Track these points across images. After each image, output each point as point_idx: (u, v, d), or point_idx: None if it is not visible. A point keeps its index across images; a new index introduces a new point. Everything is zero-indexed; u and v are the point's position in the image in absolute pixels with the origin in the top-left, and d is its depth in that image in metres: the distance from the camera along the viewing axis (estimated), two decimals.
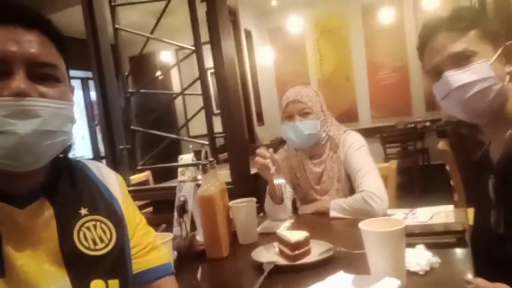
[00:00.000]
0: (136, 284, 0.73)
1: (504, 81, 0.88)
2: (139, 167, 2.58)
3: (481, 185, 0.94)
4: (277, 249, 1.09)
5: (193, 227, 1.32)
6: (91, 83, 6.19)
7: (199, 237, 1.30)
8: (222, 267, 1.14)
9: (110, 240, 0.69)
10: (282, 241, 1.05)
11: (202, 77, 2.45)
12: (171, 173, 2.95)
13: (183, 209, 1.26)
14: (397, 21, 5.72)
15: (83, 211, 0.68)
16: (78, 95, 6.22)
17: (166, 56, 6.08)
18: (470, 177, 1.07)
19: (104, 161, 3.18)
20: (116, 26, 2.66)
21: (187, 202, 1.28)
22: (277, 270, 0.97)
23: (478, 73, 0.87)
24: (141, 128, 2.70)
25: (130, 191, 0.84)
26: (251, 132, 5.26)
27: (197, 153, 3.11)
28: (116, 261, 0.69)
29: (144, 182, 3.07)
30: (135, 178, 2.85)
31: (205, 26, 2.46)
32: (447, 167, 2.17)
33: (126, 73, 2.75)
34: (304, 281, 0.89)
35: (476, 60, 0.87)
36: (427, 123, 5.33)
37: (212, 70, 2.44)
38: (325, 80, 6.28)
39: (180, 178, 2.84)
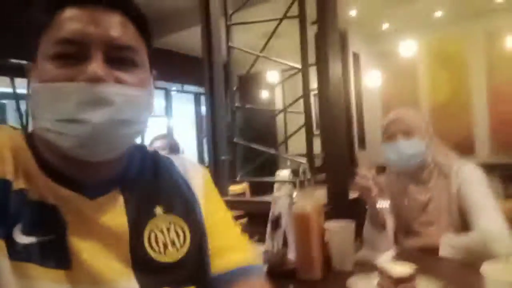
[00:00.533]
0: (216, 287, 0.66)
1: None
2: (238, 178, 2.65)
3: None
4: (376, 281, 0.98)
5: (285, 244, 1.28)
6: (203, 99, 6.68)
7: (291, 255, 1.25)
8: None
9: (183, 245, 0.63)
10: (383, 273, 0.95)
11: (306, 95, 2.44)
12: (267, 188, 2.97)
13: (277, 224, 1.23)
14: None
15: (158, 210, 0.63)
16: (190, 109, 6.77)
17: (272, 76, 6.25)
18: None
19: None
20: (230, 44, 2.80)
21: (281, 217, 1.25)
22: None
23: None
24: (243, 142, 2.79)
25: (227, 201, 0.77)
26: (351, 155, 5.08)
27: (295, 171, 3.09)
28: (191, 267, 0.63)
29: (241, 194, 3.14)
30: (233, 189, 2.93)
31: (312, 48, 2.47)
32: None
33: (234, 89, 2.88)
34: None
35: None
36: None
37: (315, 92, 2.42)
38: (437, 109, 5.78)
39: (275, 193, 2.84)
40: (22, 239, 0.53)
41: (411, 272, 0.92)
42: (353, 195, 2.64)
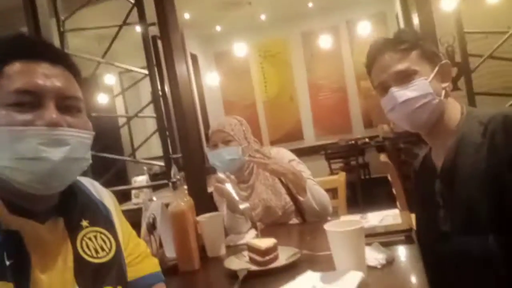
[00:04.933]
0: None
1: (441, 96, 1.01)
2: None
3: (427, 189, 1.06)
4: (247, 257, 1.16)
5: (160, 244, 1.36)
6: None
7: (168, 253, 1.33)
8: (195, 278, 1.19)
9: (110, 249, 0.76)
10: (252, 249, 1.13)
11: (156, 99, 2.50)
12: (123, 197, 2.92)
13: (153, 227, 1.30)
14: (334, 46, 6.16)
15: (84, 223, 0.75)
16: None
17: (109, 80, 5.97)
18: (414, 183, 1.21)
19: None
20: (66, 51, 2.63)
21: (156, 219, 1.32)
22: (250, 276, 1.04)
23: (419, 89, 1.00)
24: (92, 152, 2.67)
25: None
26: (201, 153, 5.30)
27: (152, 175, 3.11)
28: (118, 268, 0.76)
29: None
30: None
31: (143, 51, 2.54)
32: (389, 178, 2.38)
33: None
34: (277, 283, 0.96)
35: (417, 78, 1.00)
36: (366, 140, 5.73)
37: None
38: (270, 102, 6.54)
39: (134, 200, 2.83)
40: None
41: (274, 243, 1.13)
42: (210, 189, 2.83)
